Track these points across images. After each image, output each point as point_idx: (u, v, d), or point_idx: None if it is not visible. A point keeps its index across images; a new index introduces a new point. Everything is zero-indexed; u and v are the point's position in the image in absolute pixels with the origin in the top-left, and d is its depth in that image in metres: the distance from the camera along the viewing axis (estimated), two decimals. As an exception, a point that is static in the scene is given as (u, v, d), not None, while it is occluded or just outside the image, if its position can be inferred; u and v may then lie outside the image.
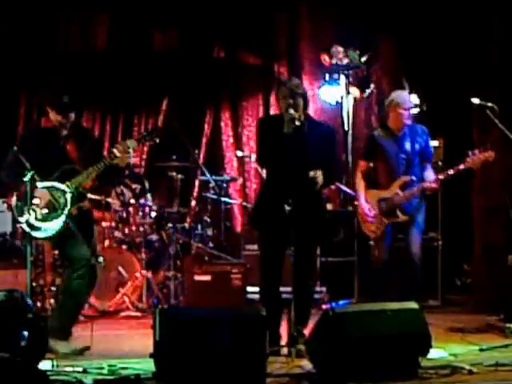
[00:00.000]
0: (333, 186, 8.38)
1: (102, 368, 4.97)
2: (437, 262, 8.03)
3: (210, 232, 8.31)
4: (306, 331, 5.54)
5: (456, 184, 6.75)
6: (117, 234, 7.98)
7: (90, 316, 7.19)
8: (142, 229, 8.04)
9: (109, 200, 7.95)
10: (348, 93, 9.26)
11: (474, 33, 7.92)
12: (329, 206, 8.45)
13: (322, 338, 4.90)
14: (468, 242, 8.07)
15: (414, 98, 7.95)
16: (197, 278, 7.43)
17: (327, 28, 9.61)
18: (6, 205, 7.28)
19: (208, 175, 8.31)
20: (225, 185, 8.64)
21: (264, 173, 6.66)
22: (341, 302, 7.44)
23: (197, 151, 9.00)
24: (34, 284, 6.86)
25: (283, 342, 5.67)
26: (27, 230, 5.48)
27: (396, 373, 4.76)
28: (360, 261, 8.07)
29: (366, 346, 4.73)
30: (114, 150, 5.70)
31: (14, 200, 5.64)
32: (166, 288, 7.85)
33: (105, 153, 6.14)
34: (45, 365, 4.88)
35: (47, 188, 5.57)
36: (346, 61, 9.10)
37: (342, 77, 9.23)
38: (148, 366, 4.80)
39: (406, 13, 8.87)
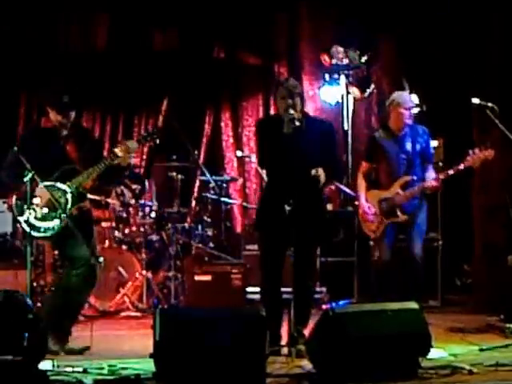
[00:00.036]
0: (333, 187, 8.39)
1: (102, 368, 4.97)
2: (437, 262, 8.01)
3: (210, 232, 8.30)
4: (306, 331, 5.54)
5: (456, 183, 6.76)
6: (117, 234, 7.97)
7: (89, 316, 7.20)
8: (142, 229, 8.04)
9: (109, 200, 7.95)
10: (348, 93, 9.25)
11: (474, 33, 7.92)
12: (329, 206, 8.43)
13: (322, 338, 4.89)
14: (468, 241, 8.06)
15: (414, 98, 7.94)
16: (197, 278, 7.42)
17: (327, 28, 9.60)
18: (6, 205, 7.27)
19: (208, 175, 8.31)
20: (225, 185, 8.63)
21: (264, 173, 6.66)
22: (341, 302, 7.42)
23: (197, 151, 9.01)
24: (34, 284, 6.89)
25: (283, 342, 5.66)
26: (27, 229, 5.47)
27: (396, 373, 4.76)
28: (360, 261, 8.08)
29: (366, 346, 4.73)
30: (116, 150, 5.69)
31: (13, 199, 5.63)
32: (166, 288, 7.86)
33: (105, 153, 6.14)
34: (45, 365, 4.87)
35: (48, 187, 5.56)
36: (346, 61, 9.10)
37: (342, 77, 9.22)
38: (148, 365, 4.80)
39: (406, 13, 8.87)
